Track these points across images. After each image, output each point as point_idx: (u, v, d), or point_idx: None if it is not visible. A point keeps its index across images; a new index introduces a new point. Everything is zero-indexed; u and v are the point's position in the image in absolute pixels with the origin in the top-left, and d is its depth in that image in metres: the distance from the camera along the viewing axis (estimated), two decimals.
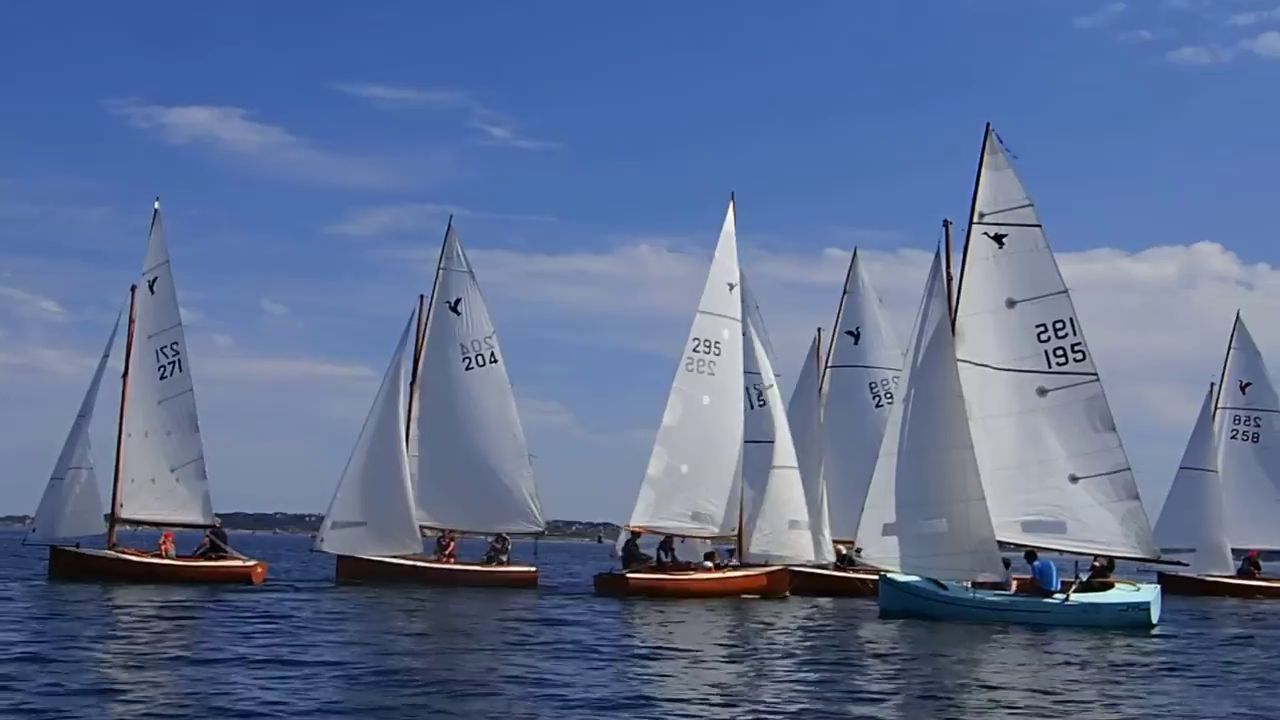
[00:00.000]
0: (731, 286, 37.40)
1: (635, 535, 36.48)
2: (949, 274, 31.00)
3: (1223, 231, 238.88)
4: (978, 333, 30.70)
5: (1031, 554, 29.86)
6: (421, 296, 41.04)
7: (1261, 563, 47.47)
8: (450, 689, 15.45)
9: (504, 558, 39.90)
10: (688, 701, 15.10)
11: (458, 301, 40.89)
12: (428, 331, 40.82)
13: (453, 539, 40.48)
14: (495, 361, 40.55)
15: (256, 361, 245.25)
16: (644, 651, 21.19)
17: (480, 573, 39.18)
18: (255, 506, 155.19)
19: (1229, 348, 48.95)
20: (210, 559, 37.51)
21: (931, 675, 18.86)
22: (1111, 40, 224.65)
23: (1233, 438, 48.06)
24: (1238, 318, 49.40)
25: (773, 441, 37.93)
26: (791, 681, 17.65)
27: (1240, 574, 45.94)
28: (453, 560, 39.89)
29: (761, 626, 27.35)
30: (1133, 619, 28.70)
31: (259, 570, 37.06)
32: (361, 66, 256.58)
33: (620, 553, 37.25)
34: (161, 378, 38.07)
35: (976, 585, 30.06)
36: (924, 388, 30.66)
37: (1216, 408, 48.22)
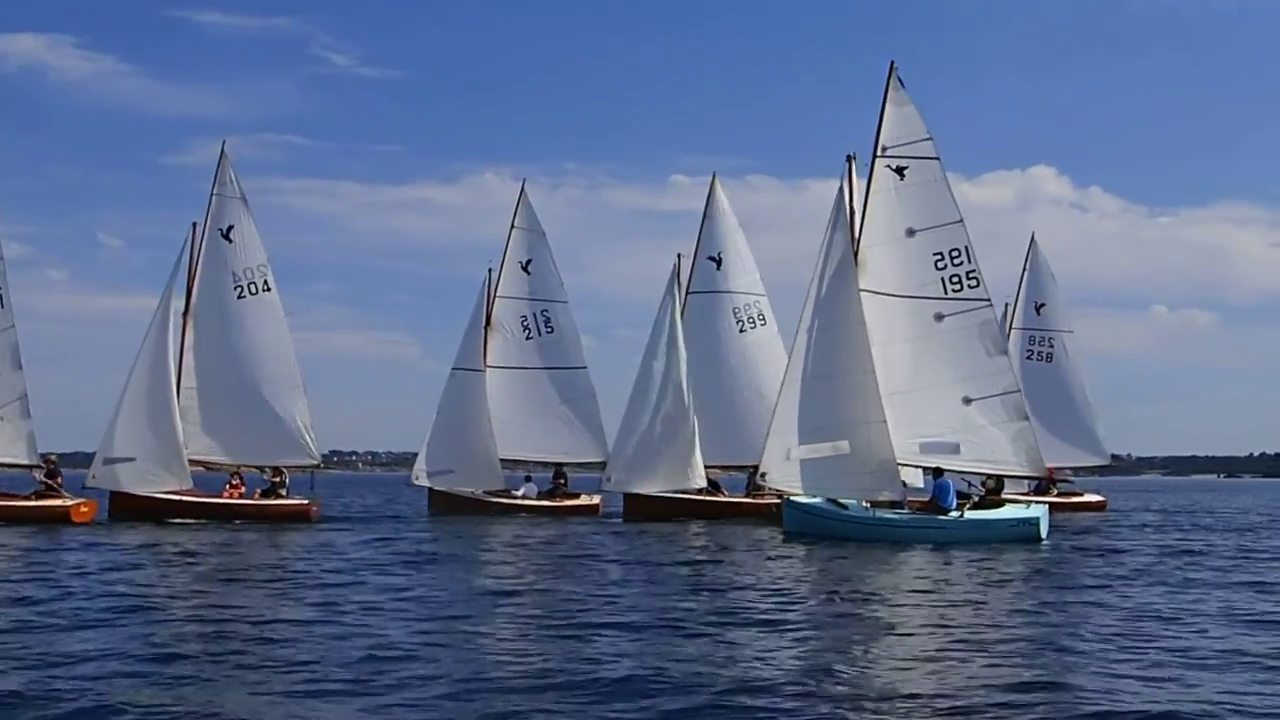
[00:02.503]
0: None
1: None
2: (851, 207, 31.97)
3: (1057, 155, 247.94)
4: (879, 262, 31.85)
5: (938, 471, 31.30)
6: (195, 224, 39.88)
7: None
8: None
9: (282, 491, 39.55)
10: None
11: (230, 229, 39.73)
12: (200, 260, 39.67)
13: (239, 474, 39.98)
14: (269, 290, 39.64)
15: (93, 296, 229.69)
16: None
17: (251, 506, 38.74)
18: (96, 445, 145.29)
19: (1024, 269, 51.34)
20: (46, 499, 36.73)
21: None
22: None
23: (1027, 358, 50.52)
24: (1032, 239, 51.95)
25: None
26: None
27: (1035, 490, 48.55)
28: (239, 495, 39.46)
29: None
30: (1022, 533, 30.52)
31: (83, 509, 36.18)
32: None
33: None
34: None
35: (874, 505, 31.44)
36: (827, 316, 31.71)
37: (1011, 328, 50.70)
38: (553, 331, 45.01)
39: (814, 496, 31.50)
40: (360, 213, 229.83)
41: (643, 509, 38.74)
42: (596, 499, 43.89)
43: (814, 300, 31.93)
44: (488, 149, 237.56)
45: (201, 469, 39.47)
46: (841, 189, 32.27)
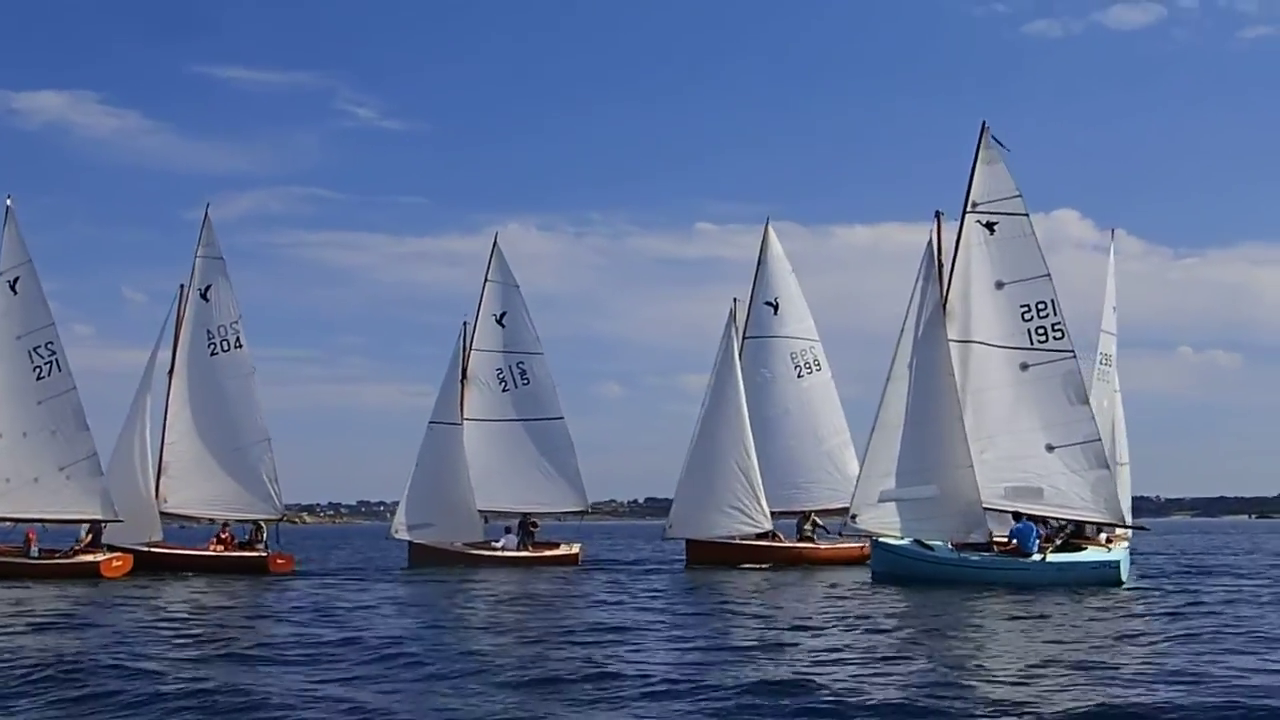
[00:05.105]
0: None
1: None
2: (940, 259, 33.28)
3: (1080, 199, 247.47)
4: (968, 312, 33.14)
5: (1017, 515, 32.46)
6: (181, 286, 41.66)
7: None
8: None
9: (260, 545, 40.58)
10: None
11: (208, 288, 41.37)
12: (186, 319, 41.32)
13: (227, 525, 41.37)
14: (240, 346, 41.11)
15: (120, 351, 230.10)
16: None
17: (217, 558, 39.90)
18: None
19: None
20: (82, 554, 37.84)
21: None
22: (967, 13, 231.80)
23: None
24: None
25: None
26: None
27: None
28: (223, 548, 40.71)
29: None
30: (1104, 576, 31.61)
31: (114, 564, 37.34)
32: (219, 49, 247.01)
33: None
34: (39, 378, 38.03)
35: (958, 547, 32.55)
36: (918, 364, 32.99)
37: None
38: (529, 383, 45.27)
39: (903, 538, 32.63)
40: (386, 264, 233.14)
41: (706, 554, 39.47)
42: (576, 548, 43.95)
43: (905, 348, 33.18)
44: (511, 199, 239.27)
45: (177, 524, 41.57)
46: (931, 241, 33.62)
